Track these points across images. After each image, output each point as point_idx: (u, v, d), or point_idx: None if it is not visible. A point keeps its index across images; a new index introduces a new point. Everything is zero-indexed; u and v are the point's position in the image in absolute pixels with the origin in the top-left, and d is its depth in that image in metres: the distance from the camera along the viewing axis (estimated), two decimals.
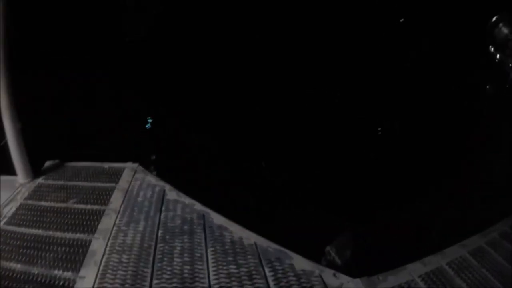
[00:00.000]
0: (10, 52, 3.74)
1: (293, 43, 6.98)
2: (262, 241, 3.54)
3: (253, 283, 3.02)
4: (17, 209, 3.88)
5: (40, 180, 4.33)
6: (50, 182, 4.30)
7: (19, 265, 3.21)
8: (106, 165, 4.59)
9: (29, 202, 3.97)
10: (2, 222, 3.69)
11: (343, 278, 3.19)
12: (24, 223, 3.68)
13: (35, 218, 3.73)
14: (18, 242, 3.44)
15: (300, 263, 3.31)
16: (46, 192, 4.12)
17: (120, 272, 3.08)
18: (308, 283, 3.10)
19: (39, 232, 3.55)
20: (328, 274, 3.21)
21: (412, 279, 3.32)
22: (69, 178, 4.34)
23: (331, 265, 3.45)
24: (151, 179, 4.36)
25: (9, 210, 3.85)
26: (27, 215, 3.79)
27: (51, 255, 3.29)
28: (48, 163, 4.65)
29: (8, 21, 3.66)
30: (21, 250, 3.35)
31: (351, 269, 3.38)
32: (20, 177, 4.26)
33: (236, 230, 3.65)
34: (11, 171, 4.25)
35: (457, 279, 3.44)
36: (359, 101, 6.56)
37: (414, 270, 3.42)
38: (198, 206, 3.97)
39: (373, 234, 4.16)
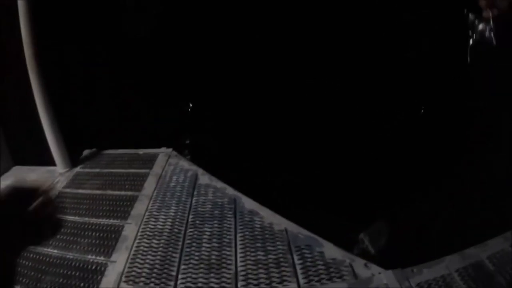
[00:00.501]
0: (39, 44, 3.88)
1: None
2: (292, 227, 3.47)
3: (280, 271, 2.98)
4: (56, 197, 4.06)
5: (77, 169, 4.51)
6: (87, 170, 4.46)
7: (55, 251, 3.36)
8: (141, 151, 4.69)
9: (67, 190, 4.14)
10: None
11: (375, 269, 3.07)
12: (62, 210, 3.84)
13: (72, 206, 3.88)
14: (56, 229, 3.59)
15: (331, 251, 3.22)
16: (83, 180, 4.28)
17: (149, 257, 3.14)
18: (337, 272, 3.02)
19: (75, 218, 3.69)
20: (359, 264, 3.10)
21: (448, 273, 3.13)
22: (105, 166, 4.48)
23: (363, 253, 3.35)
24: (184, 163, 4.40)
25: None
26: (64, 202, 3.96)
27: (86, 240, 3.41)
28: (86, 152, 4.83)
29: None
30: (58, 236, 3.51)
31: (384, 259, 3.25)
32: (59, 167, 4.46)
33: (267, 215, 3.60)
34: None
35: (497, 276, 3.19)
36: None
37: (452, 263, 3.22)
38: (229, 190, 3.96)
39: (410, 223, 4.00)
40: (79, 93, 5.65)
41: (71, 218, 3.71)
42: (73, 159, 4.55)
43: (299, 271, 3.00)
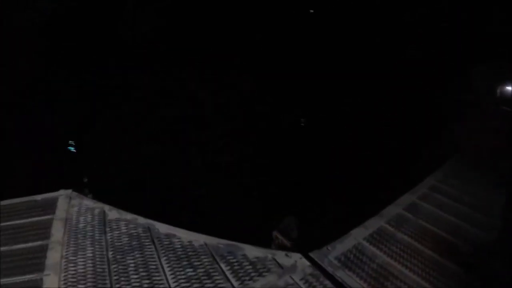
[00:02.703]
0: None
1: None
2: (211, 240, 3.82)
3: (213, 281, 3.30)
4: None
5: None
6: None
7: None
8: (38, 197, 4.56)
9: None
10: None
11: (295, 256, 3.58)
12: None
13: None
14: None
15: (252, 251, 3.64)
16: None
17: None
18: (264, 268, 3.43)
19: None
20: (281, 256, 3.57)
21: (358, 242, 3.81)
22: (3, 219, 4.24)
23: (281, 248, 3.78)
24: (89, 202, 4.46)
25: None
26: None
27: None
28: None
29: None
30: None
31: (300, 247, 3.75)
32: None
33: (184, 235, 3.90)
34: None
35: (398, 234, 3.97)
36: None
37: (358, 235, 3.91)
38: (141, 219, 4.15)
39: (314, 211, 4.61)
40: None
41: None
42: None
43: (230, 276, 3.35)
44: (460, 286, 3.44)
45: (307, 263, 3.52)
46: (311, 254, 3.63)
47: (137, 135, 6.45)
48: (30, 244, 3.89)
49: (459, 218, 4.34)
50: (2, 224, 4.22)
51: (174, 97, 7.33)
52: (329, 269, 3.46)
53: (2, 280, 3.51)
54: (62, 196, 4.57)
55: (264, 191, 5.37)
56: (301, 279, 3.32)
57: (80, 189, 4.75)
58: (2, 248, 3.89)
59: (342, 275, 3.41)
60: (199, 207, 5.05)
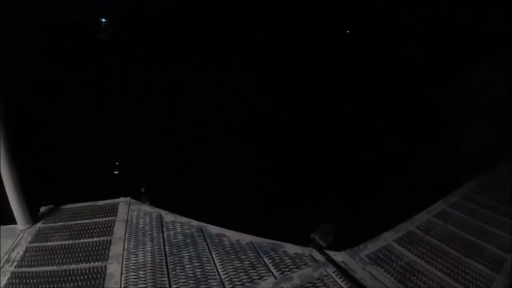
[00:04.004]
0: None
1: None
2: (256, 239, 4.44)
3: (257, 271, 3.89)
4: (24, 252, 4.36)
5: (39, 224, 4.87)
6: (50, 224, 4.86)
7: None
8: (101, 202, 5.29)
9: (35, 244, 4.49)
10: (13, 266, 4.14)
11: (330, 253, 4.16)
12: (35, 263, 4.18)
13: (45, 257, 4.27)
14: (35, 280, 3.95)
15: (292, 249, 4.24)
16: (49, 234, 4.68)
17: (141, 285, 3.80)
18: (302, 262, 4.02)
19: (53, 268, 4.10)
20: (317, 253, 4.17)
21: (388, 244, 4.35)
22: (68, 219, 4.97)
23: (318, 248, 4.30)
24: (146, 208, 5.16)
25: (16, 255, 4.32)
26: (36, 256, 4.30)
27: (72, 284, 3.88)
28: (43, 209, 5.22)
29: None
30: (40, 286, 3.87)
31: (335, 246, 4.29)
32: (20, 224, 4.76)
33: (233, 235, 4.54)
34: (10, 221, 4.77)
35: (426, 237, 4.49)
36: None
37: (388, 237, 4.45)
38: (194, 222, 4.82)
39: (349, 216, 5.14)
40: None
41: (47, 268, 4.10)
42: (32, 216, 4.88)
43: (271, 268, 3.94)
44: (485, 284, 3.89)
45: (340, 259, 4.09)
46: (344, 252, 4.21)
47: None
48: (95, 239, 4.56)
49: (489, 223, 4.82)
50: (70, 222, 4.92)
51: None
52: (360, 264, 4.01)
53: (72, 266, 4.14)
54: (122, 202, 5.30)
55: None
56: (334, 272, 3.90)
57: (138, 197, 5.44)
58: (71, 241, 4.55)
59: (371, 269, 3.96)
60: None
